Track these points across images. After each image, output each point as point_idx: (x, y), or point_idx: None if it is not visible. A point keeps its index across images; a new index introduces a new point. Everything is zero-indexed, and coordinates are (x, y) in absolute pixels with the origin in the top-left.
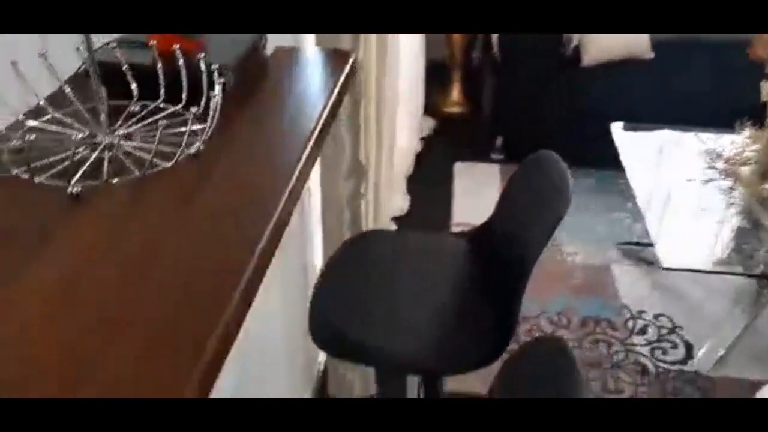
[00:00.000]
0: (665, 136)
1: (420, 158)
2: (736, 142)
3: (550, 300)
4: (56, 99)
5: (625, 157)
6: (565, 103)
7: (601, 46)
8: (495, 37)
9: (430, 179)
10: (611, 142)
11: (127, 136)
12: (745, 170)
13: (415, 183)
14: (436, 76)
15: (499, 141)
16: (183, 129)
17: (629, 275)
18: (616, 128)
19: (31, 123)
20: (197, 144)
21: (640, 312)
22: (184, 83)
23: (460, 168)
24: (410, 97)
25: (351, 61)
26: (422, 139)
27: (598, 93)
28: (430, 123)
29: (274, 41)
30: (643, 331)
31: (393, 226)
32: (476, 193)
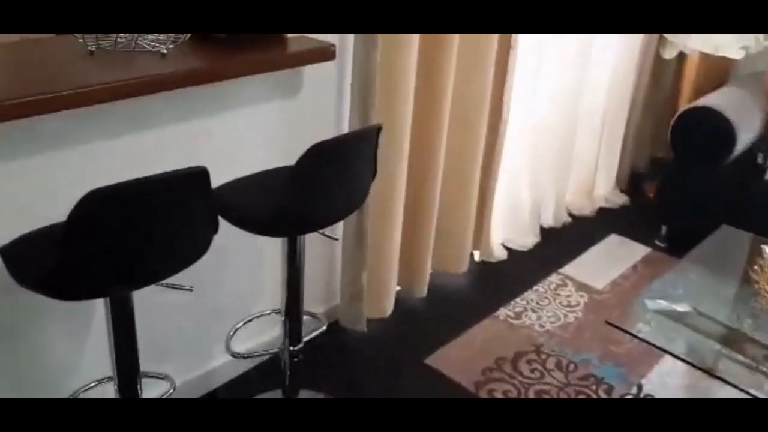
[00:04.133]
0: None
1: (586, 221)
2: None
3: None
4: None
5: None
6: (737, 210)
7: None
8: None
9: (576, 236)
10: None
11: None
12: None
13: (562, 234)
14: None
15: (663, 230)
16: None
17: None
18: None
19: None
20: None
21: None
22: None
23: (612, 238)
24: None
25: None
26: (602, 209)
27: None
28: (620, 198)
29: None
30: None
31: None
32: (601, 261)
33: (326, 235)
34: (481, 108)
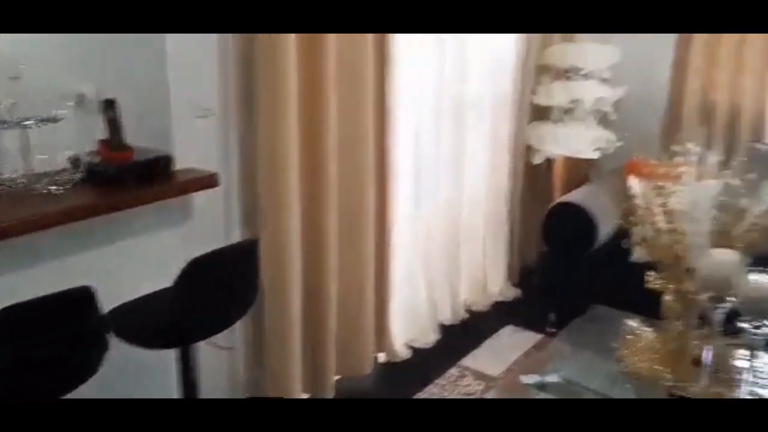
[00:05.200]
0: None
1: (483, 315)
2: None
3: None
4: None
5: None
6: (610, 291)
7: None
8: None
9: (474, 330)
10: None
11: None
12: None
13: (460, 330)
14: None
15: (551, 316)
16: None
17: None
18: None
19: None
20: None
21: None
22: None
23: (507, 329)
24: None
25: None
26: (497, 302)
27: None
28: (513, 292)
29: None
30: None
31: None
32: (497, 351)
33: (217, 345)
34: (366, 219)
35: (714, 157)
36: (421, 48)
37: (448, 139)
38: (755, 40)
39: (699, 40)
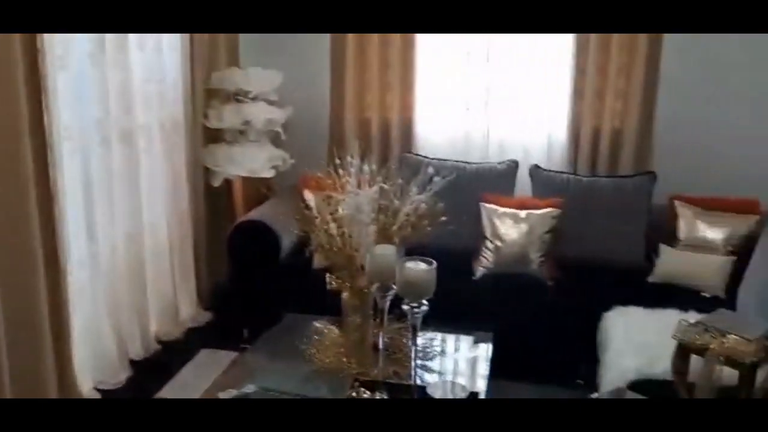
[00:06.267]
0: None
1: (176, 344)
2: None
3: None
4: None
5: None
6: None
7: None
8: None
9: (168, 361)
10: None
11: None
12: None
13: (153, 363)
14: None
15: (245, 332)
16: None
17: None
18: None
19: None
20: None
21: None
22: None
23: (202, 354)
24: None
25: None
26: (190, 329)
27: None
28: (205, 316)
29: None
30: None
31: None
32: (194, 377)
33: None
34: (33, 262)
35: (369, 167)
36: (81, 79)
37: (120, 170)
38: (396, 65)
39: (350, 65)
